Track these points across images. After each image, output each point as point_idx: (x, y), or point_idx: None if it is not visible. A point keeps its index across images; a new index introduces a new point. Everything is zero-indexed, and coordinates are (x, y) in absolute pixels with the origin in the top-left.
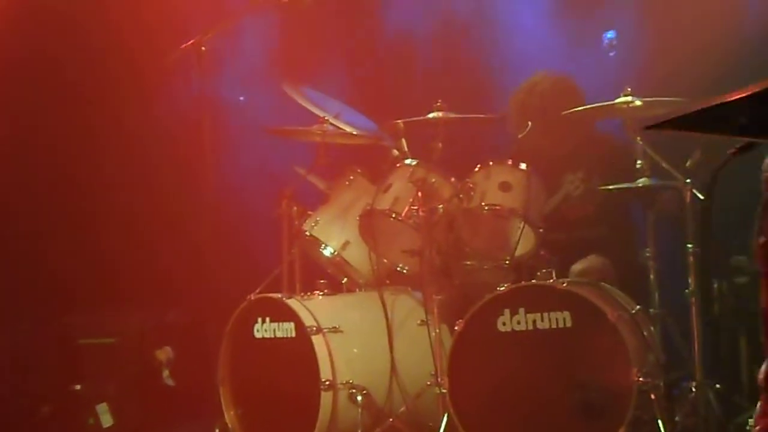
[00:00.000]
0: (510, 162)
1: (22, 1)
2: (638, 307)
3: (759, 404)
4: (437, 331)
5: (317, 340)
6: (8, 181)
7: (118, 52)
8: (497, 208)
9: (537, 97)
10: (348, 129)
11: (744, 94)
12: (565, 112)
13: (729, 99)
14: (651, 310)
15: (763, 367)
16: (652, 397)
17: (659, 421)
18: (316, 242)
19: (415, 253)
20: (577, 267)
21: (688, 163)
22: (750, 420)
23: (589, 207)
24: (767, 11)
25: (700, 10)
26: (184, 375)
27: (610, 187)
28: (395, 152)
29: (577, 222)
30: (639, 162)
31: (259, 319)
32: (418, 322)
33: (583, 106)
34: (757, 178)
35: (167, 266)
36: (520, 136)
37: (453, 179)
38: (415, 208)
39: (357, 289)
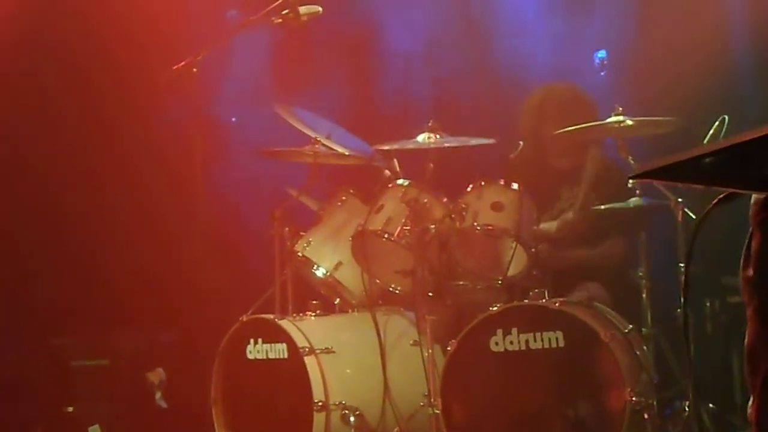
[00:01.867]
0: (502, 182)
1: (11, 22)
2: (631, 326)
3: None
4: (430, 351)
5: (310, 361)
6: None
7: (110, 73)
8: (489, 228)
9: (554, 105)
10: (340, 149)
11: (723, 145)
12: (559, 131)
13: (710, 150)
14: (644, 330)
15: (750, 403)
16: (646, 416)
17: None
18: (309, 263)
19: (407, 274)
20: (575, 295)
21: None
22: None
23: (583, 225)
24: (755, 31)
25: (691, 30)
26: (176, 396)
27: (603, 207)
28: (387, 173)
29: (571, 241)
30: (631, 181)
31: (252, 340)
32: (411, 342)
33: (595, 115)
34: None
35: (159, 287)
36: (512, 155)
37: (445, 199)
38: (408, 228)
39: (350, 310)
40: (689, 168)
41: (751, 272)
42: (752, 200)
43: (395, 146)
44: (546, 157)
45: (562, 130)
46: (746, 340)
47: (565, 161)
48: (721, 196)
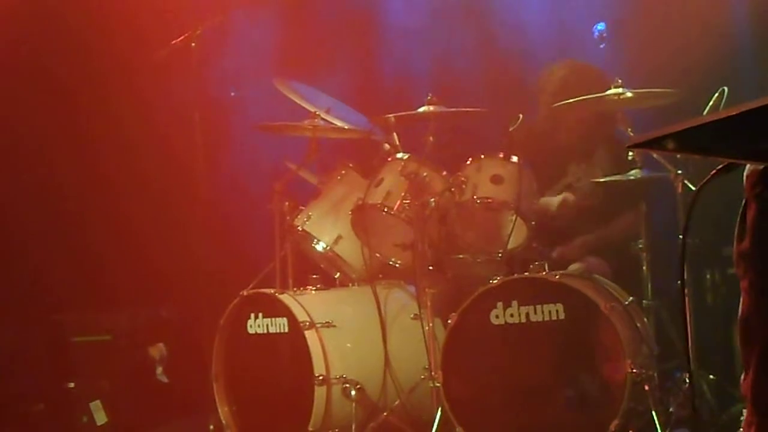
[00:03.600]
0: (501, 155)
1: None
2: (631, 298)
3: (745, 414)
4: (430, 324)
5: (310, 335)
6: None
7: (108, 49)
8: (489, 201)
9: (578, 74)
10: (339, 124)
11: (721, 116)
12: (557, 104)
13: (707, 120)
14: (644, 302)
15: (743, 377)
16: (646, 388)
17: (653, 412)
18: (309, 237)
19: (407, 247)
20: (574, 267)
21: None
22: (744, 410)
23: (590, 199)
24: (755, 3)
25: (690, 1)
26: (177, 371)
27: (603, 179)
28: (386, 146)
29: (578, 213)
30: (631, 153)
31: (252, 315)
32: (411, 316)
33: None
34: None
35: (159, 263)
36: (511, 128)
37: (444, 173)
38: (407, 202)
39: (350, 284)
40: (687, 138)
41: (746, 244)
42: (747, 171)
43: (394, 115)
44: (555, 132)
45: (561, 102)
46: (740, 314)
47: (574, 136)
48: (720, 166)
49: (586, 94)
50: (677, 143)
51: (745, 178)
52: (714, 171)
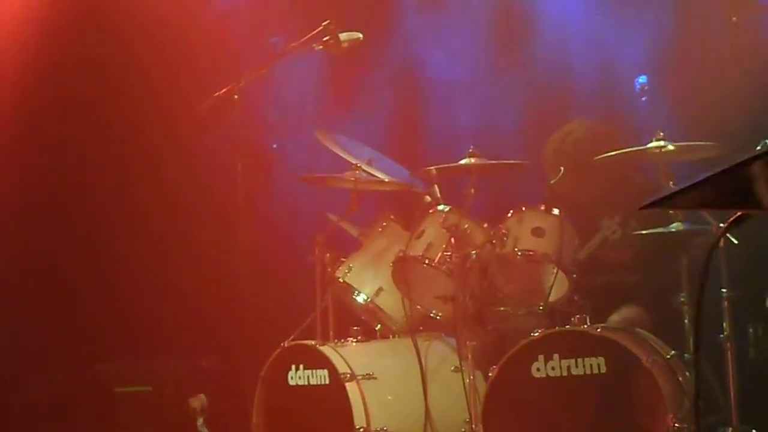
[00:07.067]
0: (543, 207)
1: (55, 51)
2: (673, 352)
3: None
4: (471, 377)
5: (351, 387)
6: (46, 230)
7: (152, 101)
8: (530, 253)
9: (571, 144)
10: (380, 175)
11: (716, 172)
12: (598, 157)
13: (705, 177)
14: (686, 356)
15: None
16: None
17: None
18: (350, 289)
19: (448, 299)
20: (614, 318)
21: None
22: None
23: (627, 252)
24: None
25: (732, 53)
26: (218, 422)
27: (645, 231)
28: (428, 198)
29: (614, 267)
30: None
31: (293, 366)
32: (452, 368)
33: (622, 148)
34: None
35: (201, 313)
36: (552, 182)
37: (486, 225)
38: (449, 254)
39: (391, 336)
40: (693, 195)
41: None
42: None
43: (435, 167)
44: (586, 188)
45: (604, 156)
46: None
47: (604, 191)
48: (731, 219)
49: (600, 152)
50: (684, 201)
51: None
52: (725, 225)
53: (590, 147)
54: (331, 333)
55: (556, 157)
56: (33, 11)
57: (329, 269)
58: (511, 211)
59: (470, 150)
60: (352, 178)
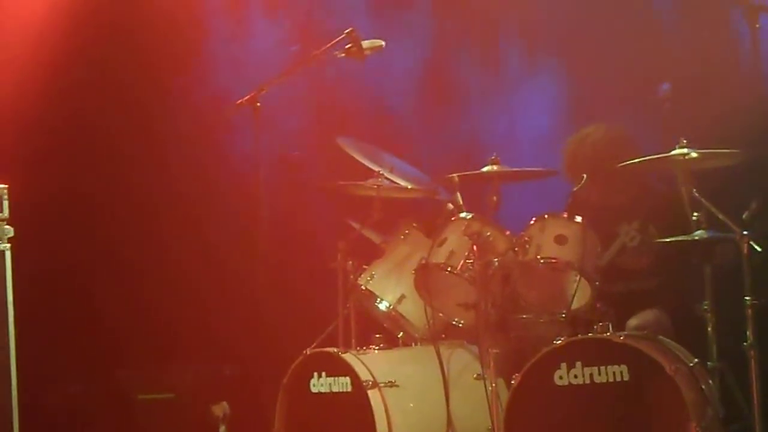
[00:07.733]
0: (565, 215)
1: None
2: (696, 360)
3: None
4: (494, 385)
5: (373, 395)
6: (67, 240)
7: (173, 110)
8: (553, 261)
9: (588, 147)
10: (403, 183)
11: None
12: (621, 164)
13: None
14: (709, 364)
15: None
16: None
17: None
18: (372, 296)
19: (470, 307)
20: (632, 322)
21: (744, 215)
22: None
23: (646, 258)
24: None
25: (756, 61)
26: (240, 430)
27: (667, 239)
28: (450, 206)
29: (634, 274)
30: (696, 214)
31: (315, 374)
32: (475, 376)
33: (638, 155)
34: None
35: (223, 321)
36: (575, 189)
37: (508, 232)
38: (471, 261)
39: (413, 343)
40: None
41: None
42: None
43: (457, 174)
44: (604, 194)
45: (626, 163)
46: None
47: (623, 197)
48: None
49: (617, 155)
50: None
51: None
52: None
53: (607, 150)
54: (354, 340)
55: (574, 159)
56: (56, 19)
57: (351, 276)
58: (534, 219)
59: (492, 157)
60: (375, 186)
